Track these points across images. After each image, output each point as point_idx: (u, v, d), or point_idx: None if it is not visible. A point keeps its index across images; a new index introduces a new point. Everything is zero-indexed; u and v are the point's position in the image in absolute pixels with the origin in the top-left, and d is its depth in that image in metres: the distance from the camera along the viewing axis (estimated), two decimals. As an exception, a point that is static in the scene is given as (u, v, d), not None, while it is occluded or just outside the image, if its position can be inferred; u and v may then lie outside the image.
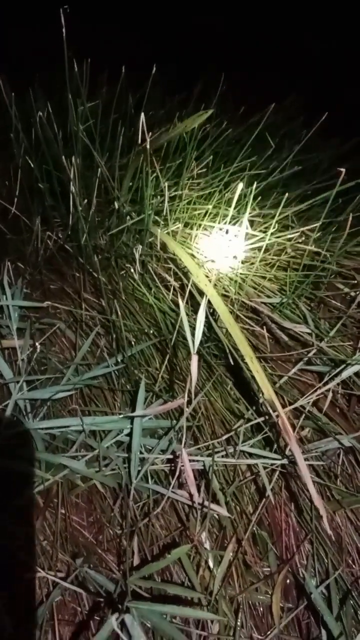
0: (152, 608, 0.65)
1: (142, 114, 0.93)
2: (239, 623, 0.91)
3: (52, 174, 1.17)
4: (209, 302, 0.85)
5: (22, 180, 1.18)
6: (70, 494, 1.01)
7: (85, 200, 1.06)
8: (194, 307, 1.18)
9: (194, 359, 0.64)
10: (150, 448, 0.97)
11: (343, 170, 0.88)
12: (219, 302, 0.83)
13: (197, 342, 0.64)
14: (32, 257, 1.26)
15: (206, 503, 0.82)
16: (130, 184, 1.11)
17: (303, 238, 1.22)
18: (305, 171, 1.55)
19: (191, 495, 0.78)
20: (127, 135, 1.21)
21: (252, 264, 1.25)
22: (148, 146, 0.88)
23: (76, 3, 0.95)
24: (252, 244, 1.16)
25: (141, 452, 0.96)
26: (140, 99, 1.21)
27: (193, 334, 0.67)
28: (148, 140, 0.88)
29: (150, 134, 0.90)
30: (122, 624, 0.58)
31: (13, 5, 1.97)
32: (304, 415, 1.02)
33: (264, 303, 1.19)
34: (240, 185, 0.56)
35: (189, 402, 1.01)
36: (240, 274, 1.23)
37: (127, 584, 0.69)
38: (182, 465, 0.72)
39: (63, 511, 0.99)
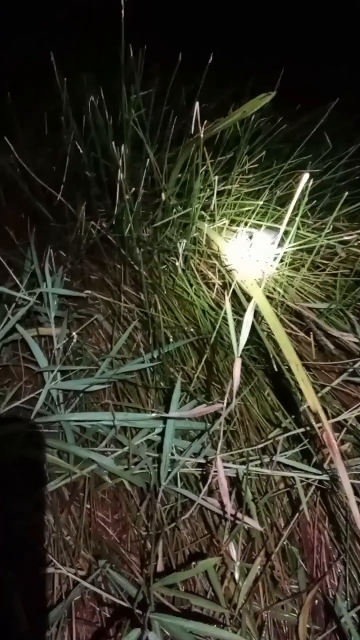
0: (175, 622, 0.62)
1: (197, 103, 0.89)
2: (262, 641, 0.87)
3: (100, 162, 1.15)
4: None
5: (70, 168, 1.16)
6: (97, 490, 0.98)
7: (133, 190, 1.03)
8: (235, 307, 1.14)
9: (237, 363, 0.61)
10: (182, 450, 0.94)
11: None
12: (265, 303, 0.78)
13: (242, 345, 0.60)
14: (74, 246, 1.24)
15: (238, 515, 0.78)
16: (179, 175, 1.07)
17: (357, 242, 1.15)
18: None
19: (222, 505, 0.74)
20: (177, 127, 1.17)
21: (301, 266, 1.20)
22: (201, 134, 0.84)
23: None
24: (301, 244, 1.11)
25: (172, 454, 0.92)
26: (194, 90, 1.17)
27: (236, 336, 0.63)
28: (201, 129, 0.84)
29: (204, 122, 0.87)
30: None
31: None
32: (345, 428, 0.96)
33: (310, 308, 1.14)
34: (306, 176, 0.51)
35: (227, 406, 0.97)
36: (287, 276, 1.18)
37: (150, 591, 0.66)
38: (215, 472, 0.68)
39: (89, 506, 0.97)
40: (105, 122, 1.03)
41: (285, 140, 1.44)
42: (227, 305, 0.61)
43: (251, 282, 0.85)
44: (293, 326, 1.14)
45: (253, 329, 1.04)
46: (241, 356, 1.04)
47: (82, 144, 1.10)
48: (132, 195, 1.08)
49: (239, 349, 0.61)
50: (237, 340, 0.61)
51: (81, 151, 1.05)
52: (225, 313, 0.88)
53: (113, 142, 0.94)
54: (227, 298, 0.61)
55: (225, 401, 0.65)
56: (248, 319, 0.59)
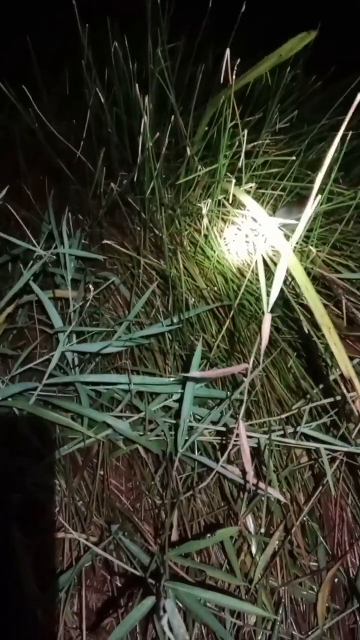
0: (192, 592, 0.58)
1: (228, 50, 0.83)
2: (278, 618, 0.83)
3: (123, 120, 1.09)
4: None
5: (91, 126, 1.11)
6: (112, 456, 0.95)
7: (156, 141, 0.97)
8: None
9: (267, 318, 0.56)
10: (200, 418, 0.90)
11: None
12: (296, 263, 0.73)
13: (274, 297, 0.55)
14: (94, 208, 1.20)
15: (260, 484, 0.74)
16: (206, 129, 1.01)
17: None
18: None
19: (244, 473, 0.70)
20: (204, 85, 1.11)
21: (329, 235, 1.14)
22: (232, 81, 0.78)
23: None
24: (331, 205, 1.04)
25: (190, 421, 0.88)
26: (223, 51, 1.11)
27: (267, 291, 0.58)
28: (232, 77, 0.78)
29: (235, 70, 0.80)
30: (158, 607, 0.51)
31: None
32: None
33: (340, 279, 1.08)
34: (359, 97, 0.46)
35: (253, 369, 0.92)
36: (316, 241, 1.12)
37: (165, 560, 0.63)
38: (237, 440, 0.64)
39: (102, 473, 0.94)
40: (128, 73, 0.97)
41: (319, 103, 1.36)
42: (258, 250, 0.56)
43: (282, 241, 0.79)
44: (321, 297, 1.08)
45: (281, 294, 0.99)
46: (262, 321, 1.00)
47: (104, 99, 1.04)
48: (155, 152, 1.02)
49: (269, 304, 0.56)
50: (268, 294, 0.56)
51: (103, 104, 0.99)
52: (254, 276, 0.83)
53: (137, 88, 0.88)
54: (257, 250, 0.56)
55: (251, 363, 0.60)
56: (282, 267, 0.54)
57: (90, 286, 0.87)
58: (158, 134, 0.94)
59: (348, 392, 0.74)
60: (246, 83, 1.08)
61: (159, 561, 0.68)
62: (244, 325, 1.06)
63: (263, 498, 0.89)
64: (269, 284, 0.57)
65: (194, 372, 0.73)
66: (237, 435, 0.63)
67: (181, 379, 0.86)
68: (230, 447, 0.71)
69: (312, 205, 0.51)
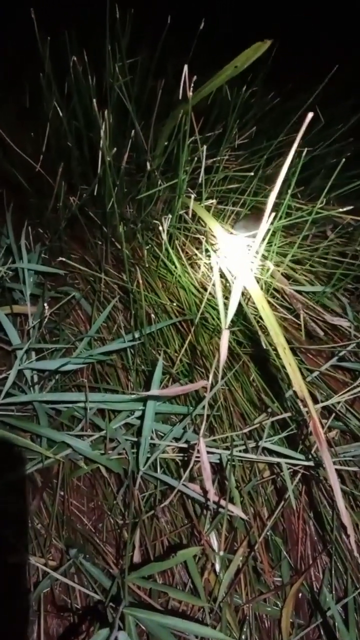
0: (151, 618, 0.57)
1: (186, 66, 0.83)
2: (243, 636, 0.82)
3: (82, 133, 1.09)
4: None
5: (50, 138, 1.09)
6: (72, 476, 0.93)
7: (115, 160, 0.97)
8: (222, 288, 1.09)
9: (225, 335, 0.55)
10: (162, 434, 0.89)
11: None
12: (253, 282, 0.73)
13: (231, 315, 0.55)
14: (54, 221, 1.18)
15: (221, 502, 0.73)
16: (166, 143, 1.01)
17: (349, 228, 1.11)
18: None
19: (205, 491, 0.69)
20: (164, 99, 1.12)
21: (290, 248, 1.16)
22: (190, 93, 0.78)
23: None
24: (290, 220, 1.06)
25: (152, 438, 0.87)
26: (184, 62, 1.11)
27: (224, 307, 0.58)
28: (190, 90, 0.79)
29: (192, 86, 0.81)
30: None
31: None
32: (333, 415, 0.92)
33: (299, 292, 1.09)
34: (310, 115, 0.46)
35: (212, 386, 0.92)
36: (276, 256, 1.14)
37: (125, 583, 0.61)
38: (198, 456, 0.63)
39: (62, 493, 0.91)
40: (88, 86, 0.97)
41: (278, 118, 1.38)
42: (216, 272, 0.56)
43: (238, 260, 0.79)
44: (281, 309, 1.09)
45: (240, 309, 0.99)
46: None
47: (64, 112, 1.03)
48: (116, 167, 1.02)
49: (227, 319, 0.56)
50: (225, 311, 0.56)
51: (61, 116, 0.98)
52: (212, 292, 0.83)
53: (95, 102, 0.87)
54: (215, 269, 0.56)
55: (210, 379, 0.60)
56: (238, 286, 0.54)
57: (46, 305, 0.85)
58: (115, 149, 0.93)
59: (303, 407, 0.74)
60: (206, 98, 1.10)
61: (120, 584, 0.66)
62: (207, 339, 1.06)
63: (226, 515, 0.89)
64: (227, 301, 0.57)
65: (154, 391, 0.72)
66: (198, 452, 0.63)
67: (142, 395, 0.84)
68: (191, 464, 0.70)
69: (267, 220, 0.51)
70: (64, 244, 1.17)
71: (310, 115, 0.47)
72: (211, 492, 0.61)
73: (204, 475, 0.62)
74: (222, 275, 1.00)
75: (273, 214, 0.64)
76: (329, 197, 1.12)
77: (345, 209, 0.98)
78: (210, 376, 0.59)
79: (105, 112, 0.93)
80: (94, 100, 0.86)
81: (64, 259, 1.10)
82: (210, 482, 0.62)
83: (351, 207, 0.99)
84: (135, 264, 1.14)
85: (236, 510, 0.73)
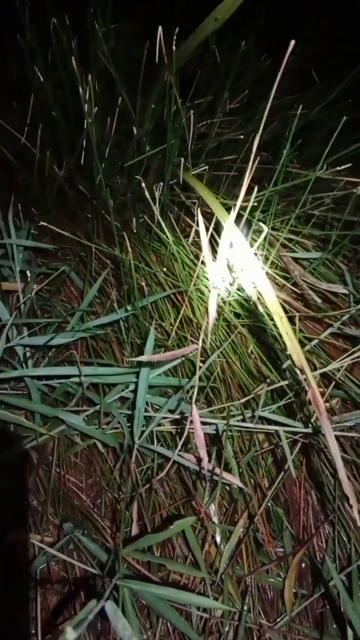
0: (145, 589, 0.55)
1: (160, 27, 0.80)
2: (245, 607, 0.81)
3: (68, 101, 1.05)
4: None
5: (35, 108, 1.06)
6: (68, 452, 0.91)
7: (101, 131, 0.93)
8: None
9: (213, 294, 0.53)
10: (159, 407, 0.87)
11: None
12: (246, 248, 0.70)
13: (218, 272, 0.53)
14: (43, 197, 1.15)
15: (216, 471, 0.71)
16: (153, 106, 0.98)
17: (345, 191, 1.07)
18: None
19: (199, 460, 0.68)
20: (151, 66, 1.08)
21: (287, 218, 1.12)
22: (171, 56, 0.75)
23: None
24: (288, 185, 1.02)
25: (147, 411, 0.85)
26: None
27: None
28: (173, 50, 0.75)
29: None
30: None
31: None
32: (333, 383, 0.90)
33: (296, 259, 1.06)
34: (292, 43, 0.43)
35: (205, 350, 0.90)
36: (272, 227, 1.10)
37: (120, 556, 0.59)
38: (192, 426, 0.61)
39: (59, 470, 0.90)
40: (69, 52, 0.93)
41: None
42: (202, 233, 0.54)
43: (231, 225, 0.76)
44: (279, 279, 1.06)
45: (234, 278, 0.97)
46: (221, 308, 0.97)
47: (47, 81, 1.00)
48: (103, 134, 0.98)
49: (215, 280, 0.53)
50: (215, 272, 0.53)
51: (43, 83, 0.94)
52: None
53: (74, 62, 0.83)
54: (203, 228, 0.54)
55: (200, 342, 0.58)
56: (225, 240, 0.51)
57: (34, 282, 0.83)
58: (98, 122, 0.90)
59: (301, 374, 0.72)
60: (196, 63, 1.06)
61: (116, 559, 0.65)
62: (202, 312, 1.04)
63: (226, 486, 0.88)
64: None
65: (143, 357, 0.69)
66: (192, 421, 0.61)
67: (136, 368, 0.82)
68: (185, 434, 0.68)
69: (246, 180, 0.48)
70: (53, 219, 1.14)
71: (292, 42, 0.44)
72: (205, 460, 0.60)
73: (197, 443, 0.60)
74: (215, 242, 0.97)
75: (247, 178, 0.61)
76: (326, 163, 1.08)
77: (342, 168, 0.93)
78: (200, 339, 0.57)
79: (89, 77, 0.90)
80: (73, 60, 0.81)
81: (53, 235, 1.08)
82: (204, 450, 0.60)
83: (349, 165, 0.95)
84: (127, 236, 1.11)
85: (232, 479, 0.71)
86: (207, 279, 1.00)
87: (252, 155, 0.48)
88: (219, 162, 1.15)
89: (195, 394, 0.62)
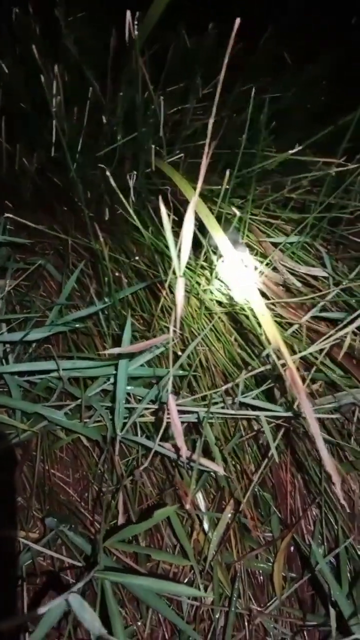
0: (124, 580, 0.55)
1: (128, 12, 0.78)
2: (235, 593, 0.81)
3: (37, 92, 1.03)
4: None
5: (4, 102, 1.04)
6: (53, 448, 0.91)
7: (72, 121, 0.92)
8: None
9: (180, 283, 0.52)
10: (142, 398, 0.86)
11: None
12: (214, 224, 0.69)
13: (184, 261, 0.52)
14: (18, 191, 1.14)
15: (195, 457, 0.71)
16: (121, 93, 0.96)
17: (321, 172, 1.06)
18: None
19: (177, 449, 0.67)
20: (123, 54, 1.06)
21: (263, 203, 1.12)
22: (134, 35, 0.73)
23: None
24: (260, 165, 1.01)
25: (130, 402, 0.85)
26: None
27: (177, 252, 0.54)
28: (133, 28, 0.73)
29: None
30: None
31: None
32: (314, 368, 0.89)
33: (275, 244, 1.05)
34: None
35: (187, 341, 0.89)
36: (251, 212, 1.09)
37: (101, 548, 0.59)
38: (169, 415, 0.60)
39: (44, 466, 0.89)
40: (34, 40, 0.91)
41: (249, 69, 1.32)
42: (164, 216, 0.53)
43: (206, 213, 0.75)
44: (258, 265, 1.05)
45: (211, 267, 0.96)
46: (201, 298, 0.97)
47: (13, 72, 0.98)
48: (76, 127, 0.97)
49: (180, 266, 0.52)
50: (178, 256, 0.53)
51: (6, 71, 0.93)
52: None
53: (35, 49, 0.82)
54: (165, 209, 0.53)
55: (171, 331, 0.57)
56: (188, 226, 0.50)
57: (8, 280, 0.82)
58: (67, 112, 0.88)
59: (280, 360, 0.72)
60: (165, 49, 1.04)
61: (98, 551, 0.64)
62: (186, 302, 1.03)
63: (212, 474, 0.87)
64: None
65: (115, 349, 0.69)
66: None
67: (116, 360, 0.81)
68: (164, 424, 0.67)
69: (207, 153, 0.47)
70: (30, 213, 1.13)
71: (238, 20, 0.43)
72: (183, 449, 0.59)
73: (175, 432, 0.60)
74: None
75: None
76: (303, 145, 1.07)
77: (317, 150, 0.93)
78: (171, 328, 0.56)
79: (56, 67, 0.88)
80: (34, 49, 0.80)
81: (30, 229, 1.06)
82: (181, 439, 0.59)
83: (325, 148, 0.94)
84: (105, 228, 1.10)
85: (212, 466, 0.71)
86: (192, 271, 1.00)
87: (208, 140, 0.47)
88: (195, 149, 1.14)
89: (170, 383, 0.61)
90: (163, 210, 0.51)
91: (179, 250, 0.53)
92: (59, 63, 0.89)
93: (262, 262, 1.04)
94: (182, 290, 0.53)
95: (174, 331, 0.98)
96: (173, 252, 0.52)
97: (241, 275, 0.72)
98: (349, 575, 0.81)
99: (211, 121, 0.45)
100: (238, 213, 0.79)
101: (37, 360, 0.92)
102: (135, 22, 0.77)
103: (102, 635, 0.40)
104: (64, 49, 0.99)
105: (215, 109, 0.49)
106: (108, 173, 0.76)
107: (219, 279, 1.00)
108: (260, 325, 0.92)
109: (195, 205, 0.49)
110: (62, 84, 0.92)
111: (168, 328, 0.99)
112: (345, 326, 0.73)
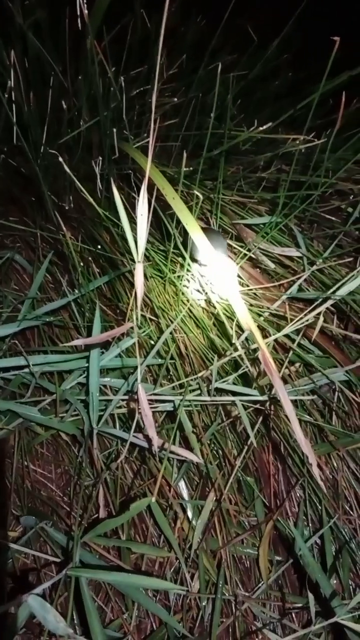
0: (95, 576, 0.54)
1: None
2: (221, 580, 0.81)
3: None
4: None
5: None
6: (32, 444, 0.90)
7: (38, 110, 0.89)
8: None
9: (139, 268, 0.50)
10: (118, 390, 0.85)
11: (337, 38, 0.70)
12: (183, 208, 0.68)
13: (142, 246, 0.50)
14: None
15: (175, 448, 0.70)
16: (80, 77, 0.93)
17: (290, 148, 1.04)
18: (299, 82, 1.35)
19: (149, 439, 0.66)
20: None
21: (235, 184, 1.10)
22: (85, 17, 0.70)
23: None
24: (229, 143, 0.99)
25: (106, 394, 0.84)
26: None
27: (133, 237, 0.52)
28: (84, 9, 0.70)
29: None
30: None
31: None
32: (291, 352, 0.88)
33: (248, 225, 1.03)
34: None
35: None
36: (223, 194, 1.07)
37: (77, 544, 0.58)
38: (140, 406, 0.59)
39: (23, 462, 0.88)
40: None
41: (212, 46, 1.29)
42: (118, 199, 0.51)
43: (172, 196, 0.73)
44: (236, 247, 1.04)
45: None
46: (184, 288, 0.95)
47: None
48: (40, 115, 0.94)
49: (139, 252, 0.51)
50: (135, 241, 0.51)
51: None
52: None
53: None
54: (116, 192, 0.51)
55: (135, 320, 0.55)
56: (142, 209, 0.48)
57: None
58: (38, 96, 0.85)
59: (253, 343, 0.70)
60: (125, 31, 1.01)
61: (75, 547, 0.63)
62: (160, 290, 1.01)
63: (192, 462, 0.86)
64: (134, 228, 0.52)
65: (78, 340, 0.67)
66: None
67: (87, 353, 0.80)
68: (136, 415, 0.66)
69: (152, 135, 0.45)
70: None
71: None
72: (154, 439, 0.58)
73: (145, 422, 0.58)
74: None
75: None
76: (275, 124, 1.05)
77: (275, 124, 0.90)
78: (134, 315, 0.55)
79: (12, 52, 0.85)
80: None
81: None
82: (153, 430, 0.58)
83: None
84: (76, 218, 1.08)
85: (186, 454, 0.70)
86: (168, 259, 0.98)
87: (152, 114, 0.45)
88: (166, 132, 1.11)
89: (139, 372, 0.60)
90: (115, 192, 0.49)
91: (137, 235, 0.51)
92: (14, 47, 0.86)
93: (237, 246, 1.03)
94: (141, 276, 0.51)
95: (144, 318, 0.97)
96: (129, 236, 0.51)
97: (215, 262, 0.70)
98: (333, 553, 0.81)
99: (154, 97, 0.43)
100: (200, 195, 0.77)
101: (11, 355, 0.91)
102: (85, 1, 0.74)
103: (68, 635, 0.39)
104: (20, 33, 0.95)
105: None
106: (61, 159, 0.74)
107: (190, 266, 0.98)
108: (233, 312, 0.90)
109: (146, 183, 0.47)
110: (22, 70, 0.89)
111: (145, 317, 0.97)
112: (316, 307, 0.71)
